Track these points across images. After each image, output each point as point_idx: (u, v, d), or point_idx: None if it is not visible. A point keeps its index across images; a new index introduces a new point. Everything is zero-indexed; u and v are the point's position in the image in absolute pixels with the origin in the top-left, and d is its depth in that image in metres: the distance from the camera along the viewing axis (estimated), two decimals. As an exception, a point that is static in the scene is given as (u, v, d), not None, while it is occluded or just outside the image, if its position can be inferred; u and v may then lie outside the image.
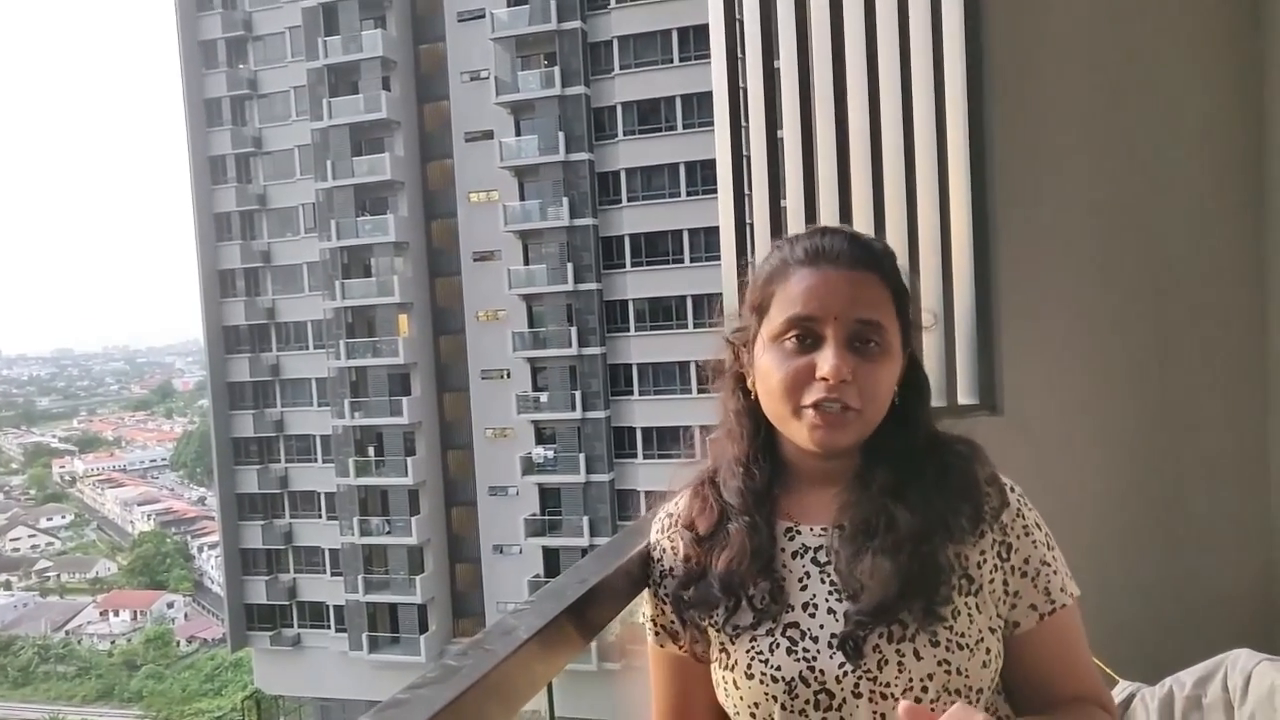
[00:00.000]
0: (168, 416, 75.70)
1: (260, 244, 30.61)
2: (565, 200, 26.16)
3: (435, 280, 28.62)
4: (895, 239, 2.18)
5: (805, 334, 1.01)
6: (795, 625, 1.02)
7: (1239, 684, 1.50)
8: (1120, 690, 1.69)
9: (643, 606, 1.15)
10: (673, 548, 1.11)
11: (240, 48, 30.75)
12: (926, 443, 1.06)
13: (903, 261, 2.11)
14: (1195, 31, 1.96)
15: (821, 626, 1.01)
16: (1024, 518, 1.04)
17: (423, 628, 27.32)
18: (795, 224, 2.12)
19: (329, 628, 28.98)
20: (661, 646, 1.12)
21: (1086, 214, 2.01)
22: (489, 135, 27.07)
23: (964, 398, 2.19)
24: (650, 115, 25.95)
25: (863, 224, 2.17)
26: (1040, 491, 1.06)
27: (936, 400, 2.17)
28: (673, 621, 1.09)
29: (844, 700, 0.98)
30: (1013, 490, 1.06)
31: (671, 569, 1.10)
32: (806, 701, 0.99)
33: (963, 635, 0.99)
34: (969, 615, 1.00)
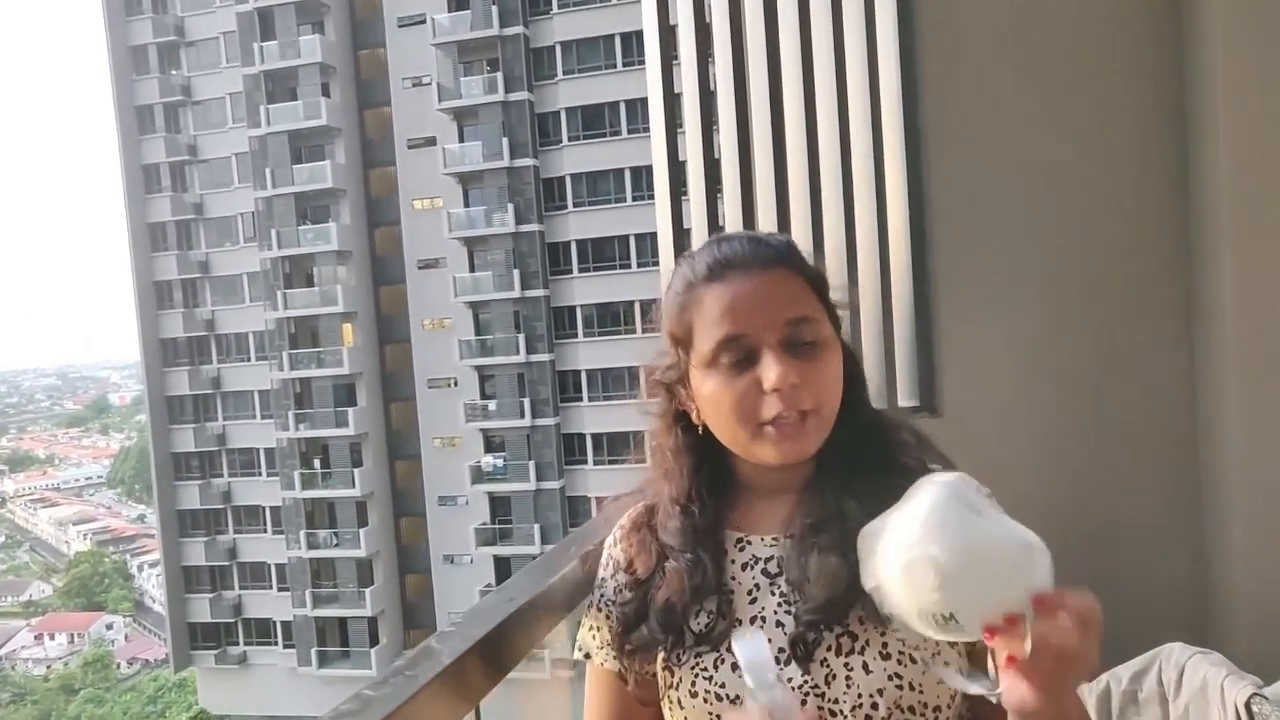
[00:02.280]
0: (103, 432, 73.54)
1: (198, 254, 29.94)
2: (510, 206, 26.01)
3: (379, 289, 28.25)
4: (833, 243, 2.19)
5: (739, 352, 0.95)
6: None
7: (1173, 677, 1.54)
8: (1059, 687, 1.72)
9: (583, 618, 1.09)
10: (615, 584, 1.05)
11: (173, 53, 30.06)
12: (871, 426, 1.02)
13: (840, 265, 2.15)
14: (1119, 35, 2.00)
15: (769, 640, 0.93)
16: None
17: (373, 641, 26.90)
18: (733, 229, 2.11)
19: (276, 644, 28.39)
20: (602, 665, 1.05)
21: (1020, 218, 2.04)
22: (432, 142, 26.82)
23: (904, 400, 2.21)
24: (594, 120, 25.95)
25: (800, 227, 2.18)
26: None
27: (876, 403, 2.19)
28: (617, 645, 1.03)
29: None
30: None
31: (616, 593, 1.05)
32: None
33: (917, 648, 0.93)
34: None
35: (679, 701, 0.98)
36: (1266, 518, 1.81)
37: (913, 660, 0.93)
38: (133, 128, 30.02)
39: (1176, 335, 1.99)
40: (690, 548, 0.99)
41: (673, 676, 0.98)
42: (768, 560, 1.00)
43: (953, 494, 0.77)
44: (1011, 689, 0.75)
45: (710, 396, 0.97)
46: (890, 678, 0.92)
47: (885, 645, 0.92)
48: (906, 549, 0.74)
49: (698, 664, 0.97)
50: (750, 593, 0.99)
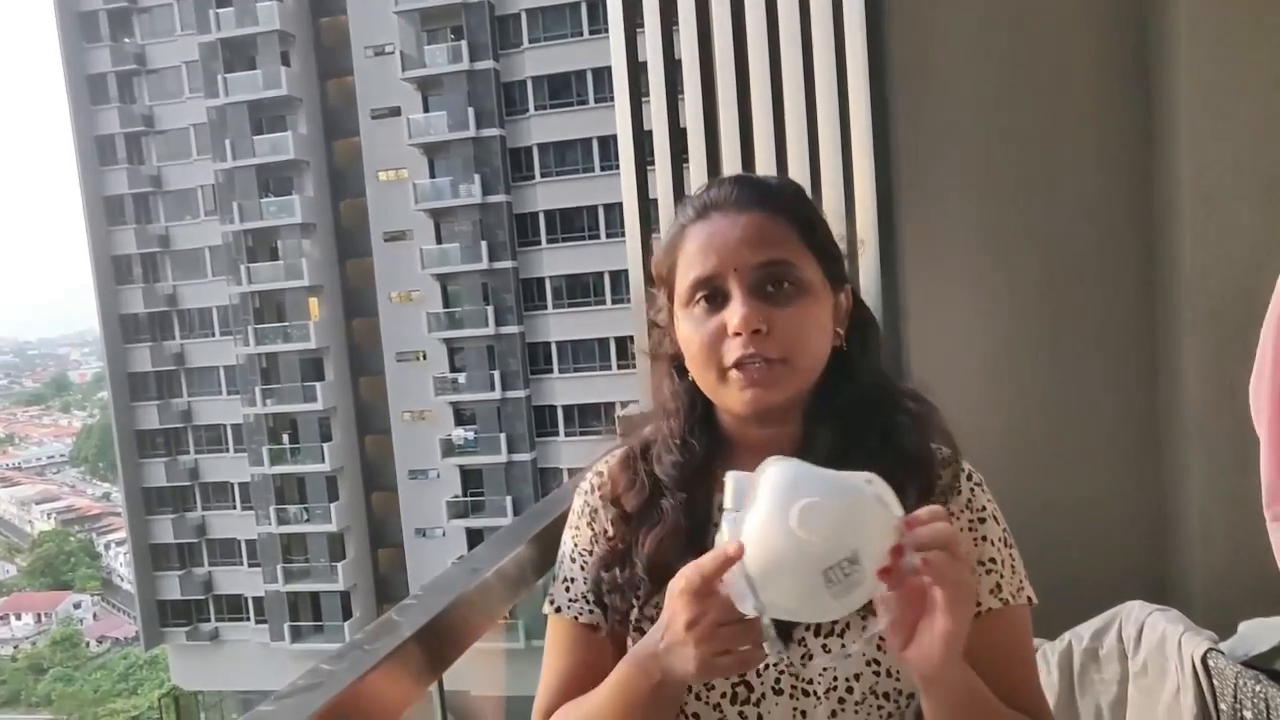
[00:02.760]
0: (64, 411, 72.30)
1: (157, 228, 29.34)
2: (477, 177, 25.72)
3: (345, 262, 27.89)
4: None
5: (711, 293, 0.93)
6: None
7: (1132, 634, 1.57)
8: (1022, 648, 1.76)
9: (556, 570, 1.04)
10: (601, 517, 1.01)
11: (124, 20, 29.26)
12: (874, 394, 0.97)
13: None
14: (1083, 15, 2.01)
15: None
16: (973, 510, 0.96)
17: (347, 614, 26.86)
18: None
19: (249, 620, 28.27)
20: (576, 618, 0.99)
21: (985, 181, 2.05)
22: (396, 112, 26.38)
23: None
24: (561, 89, 25.66)
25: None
26: None
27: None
28: (591, 596, 0.99)
29: (763, 695, 0.91)
30: (970, 478, 0.98)
31: (595, 539, 1.00)
32: (723, 695, 0.92)
33: None
34: None
35: None
36: (1223, 478, 1.85)
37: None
38: (84, 98, 29.25)
39: (1137, 299, 2.02)
40: (685, 486, 0.96)
41: (643, 636, 0.93)
42: None
43: (789, 461, 0.77)
44: (916, 648, 0.76)
45: (684, 337, 0.96)
46: (868, 663, 0.90)
47: (864, 630, 0.88)
48: (783, 512, 0.72)
49: None
50: None
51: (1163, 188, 1.95)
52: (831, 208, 2.16)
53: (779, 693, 0.91)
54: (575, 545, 1.02)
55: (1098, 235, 2.03)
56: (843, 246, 1.02)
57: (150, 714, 29.58)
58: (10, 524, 54.84)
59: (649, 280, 1.04)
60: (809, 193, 2.10)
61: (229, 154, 27.02)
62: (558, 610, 1.01)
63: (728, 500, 0.77)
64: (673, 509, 0.95)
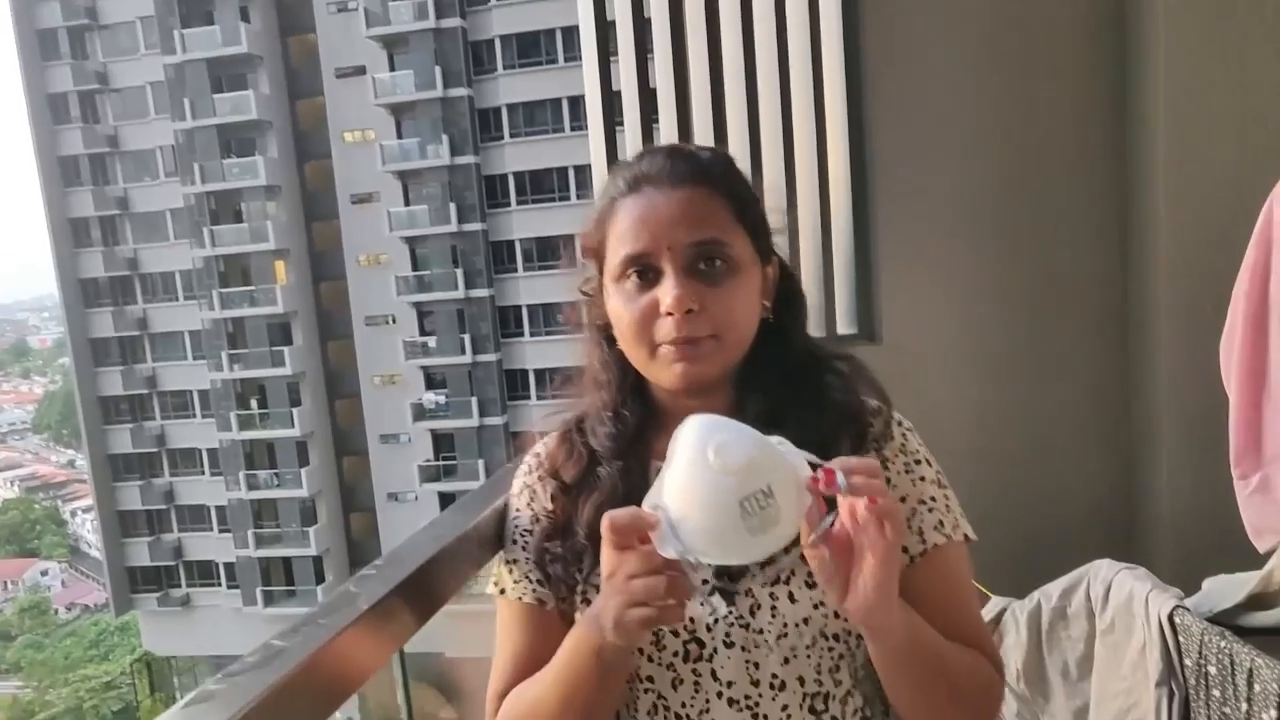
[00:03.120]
0: (25, 377, 71.05)
1: (115, 190, 28.66)
2: (445, 138, 25.34)
3: (312, 224, 27.44)
4: (772, 171, 2.16)
5: (643, 270, 0.93)
6: None
7: (1100, 593, 1.59)
8: (992, 606, 1.78)
9: (502, 554, 1.05)
10: (541, 494, 1.02)
11: (75, -27, 28.29)
12: (803, 360, 0.99)
13: (777, 183, 2.12)
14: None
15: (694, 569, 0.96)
16: (907, 454, 0.98)
17: (319, 579, 26.83)
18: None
19: (220, 585, 28.16)
20: (520, 599, 1.00)
21: (961, 144, 2.04)
22: (361, 71, 25.85)
23: (843, 327, 2.22)
24: (530, 49, 25.24)
25: (739, 155, 2.14)
26: (915, 416, 1.03)
27: (815, 330, 2.20)
28: (536, 574, 1.00)
29: (715, 650, 0.92)
30: (900, 424, 1.00)
31: (536, 518, 1.01)
32: (675, 653, 0.92)
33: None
34: None
35: None
36: (1191, 437, 1.87)
37: None
38: (35, 54, 28.37)
39: (1111, 265, 2.02)
40: (621, 455, 0.97)
41: (589, 607, 0.95)
42: None
43: (705, 415, 0.78)
44: (853, 597, 0.76)
45: (615, 312, 0.96)
46: (816, 606, 0.91)
47: (810, 575, 0.91)
48: (700, 454, 0.73)
49: None
50: None
51: (1138, 144, 1.94)
52: (804, 157, 2.13)
53: (730, 645, 0.92)
54: (516, 527, 1.03)
55: (1072, 193, 2.03)
56: (778, 219, 1.02)
57: (123, 679, 29.45)
58: (-28, 492, 54.05)
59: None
60: (781, 161, 2.06)
61: (188, 113, 26.37)
62: (502, 592, 1.02)
63: (668, 460, 0.78)
64: (609, 476, 0.96)
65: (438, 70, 25.19)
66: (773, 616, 0.91)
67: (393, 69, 25.88)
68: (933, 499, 0.97)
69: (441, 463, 26.47)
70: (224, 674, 0.70)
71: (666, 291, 0.90)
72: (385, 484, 26.94)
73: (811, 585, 0.91)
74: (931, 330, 2.09)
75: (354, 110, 25.97)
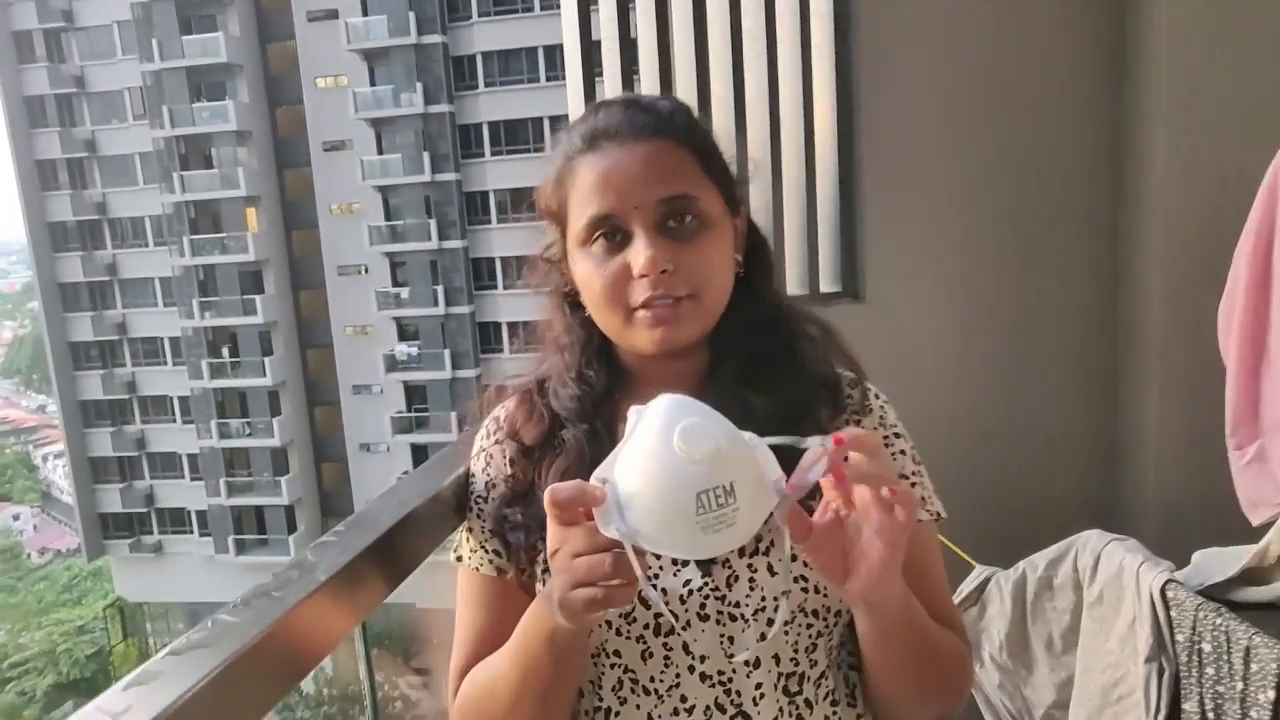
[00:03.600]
0: (-8, 321, 69.76)
1: (83, 131, 27.93)
2: (419, 86, 24.81)
3: (284, 172, 26.90)
4: (756, 125, 2.10)
5: (611, 231, 0.87)
6: None
7: (1089, 564, 1.57)
8: (975, 575, 1.76)
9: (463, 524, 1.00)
10: (499, 458, 0.96)
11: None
12: (773, 318, 0.94)
13: (761, 145, 2.06)
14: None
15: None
16: (885, 427, 0.95)
17: (291, 528, 26.82)
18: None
19: (192, 532, 28.06)
20: (477, 570, 0.96)
21: (951, 103, 1.98)
22: (334, 15, 25.19)
23: (826, 285, 2.18)
24: (507, -6, 24.67)
25: (722, 110, 2.08)
26: (899, 376, 1.00)
27: (799, 288, 2.15)
28: (493, 543, 0.95)
29: (688, 623, 0.87)
30: (877, 397, 0.97)
31: (492, 483, 0.96)
32: (645, 626, 0.87)
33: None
34: None
35: None
36: (1181, 406, 1.84)
37: None
38: (-2, -10, 27.39)
39: (1102, 227, 1.99)
40: (587, 418, 0.92)
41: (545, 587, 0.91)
42: None
43: (677, 395, 0.72)
44: (856, 579, 0.72)
45: (582, 278, 0.90)
46: (796, 580, 0.87)
47: (792, 546, 0.88)
48: (665, 434, 0.67)
49: None
50: None
51: (1132, 107, 1.90)
52: (789, 111, 2.07)
53: (704, 619, 0.87)
54: (472, 493, 0.98)
55: (1063, 153, 1.98)
56: (743, 170, 0.97)
57: (95, 624, 29.41)
58: (-61, 437, 53.35)
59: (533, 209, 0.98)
60: (766, 114, 1.98)
61: (157, 54, 25.64)
62: (459, 559, 0.97)
63: (628, 434, 0.73)
64: (574, 439, 0.91)
65: (412, 16, 24.60)
66: (750, 589, 0.87)
67: (366, 13, 25.24)
68: (913, 474, 0.94)
69: (414, 414, 26.36)
70: (168, 651, 0.65)
71: (638, 253, 0.85)
72: (357, 434, 26.82)
73: (793, 559, 0.86)
74: (916, 290, 2.05)
75: (326, 55, 25.35)
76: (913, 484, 0.93)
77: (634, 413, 0.72)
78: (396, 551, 0.92)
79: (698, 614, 0.87)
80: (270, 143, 26.81)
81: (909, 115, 1.99)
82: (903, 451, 0.94)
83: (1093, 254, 2.00)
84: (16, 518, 42.18)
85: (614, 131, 0.89)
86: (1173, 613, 1.39)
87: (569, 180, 0.91)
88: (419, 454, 25.54)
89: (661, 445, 0.67)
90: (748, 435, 0.71)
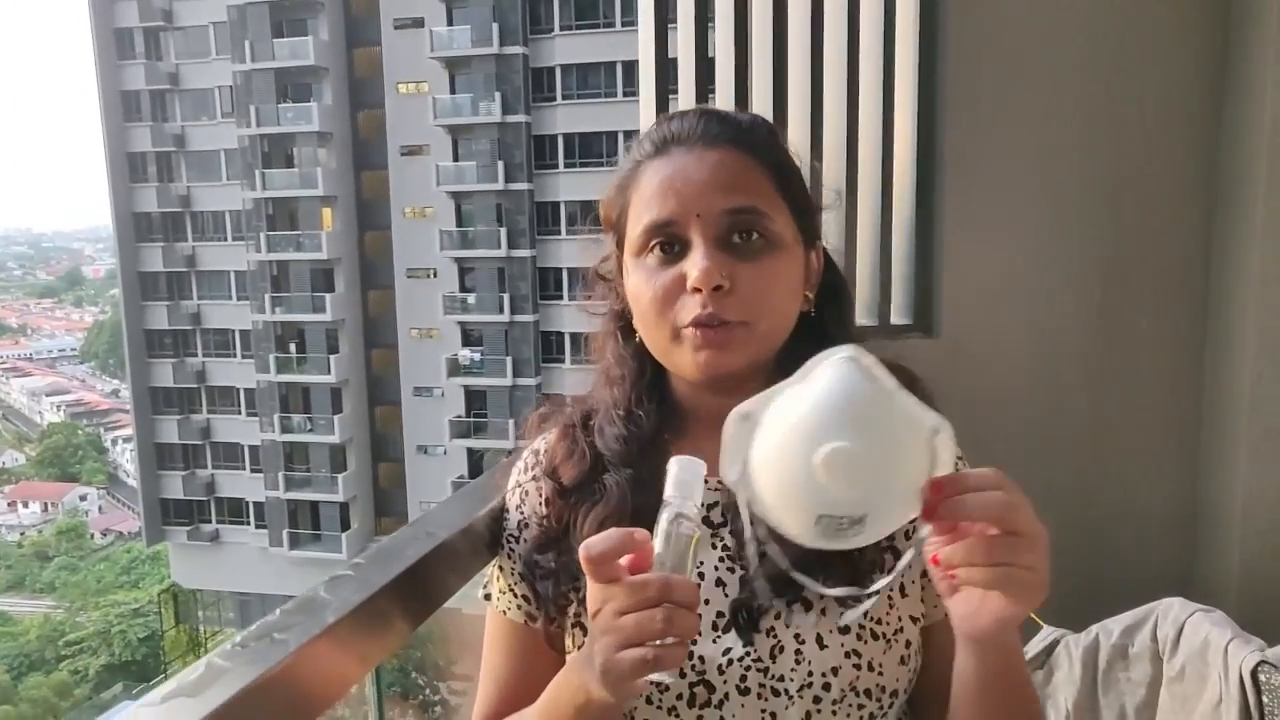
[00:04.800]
0: (77, 305, 72.72)
1: (173, 127, 28.96)
2: (498, 95, 25.21)
3: (361, 173, 27.53)
4: (833, 147, 2.01)
5: (669, 241, 0.80)
6: None
7: (1170, 634, 1.45)
8: (1044, 636, 1.65)
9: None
10: (534, 495, 0.89)
11: (141, -85, 28.45)
12: None
13: (837, 168, 1.98)
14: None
15: (707, 602, 0.81)
16: None
17: (345, 525, 27.24)
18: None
19: (249, 524, 28.69)
20: (505, 613, 0.89)
21: (1039, 126, 1.87)
22: (419, 23, 25.77)
23: (897, 318, 2.08)
24: (588, 9, 24.98)
25: (799, 129, 1.99)
26: (969, 419, 0.89)
27: (868, 318, 2.06)
28: (522, 588, 0.88)
29: (726, 695, 0.79)
30: (960, 458, 0.89)
31: (525, 522, 0.89)
32: (679, 697, 0.79)
33: (879, 622, 0.80)
34: (888, 597, 0.82)
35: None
36: (1272, 467, 1.71)
37: (874, 636, 0.81)
38: (104, -10, 28.66)
39: (1196, 268, 1.85)
40: (632, 462, 0.84)
41: (586, 634, 0.83)
42: (710, 507, 0.85)
43: (856, 370, 0.62)
44: (961, 600, 0.65)
45: (634, 290, 0.83)
46: (848, 655, 0.79)
47: (843, 616, 0.79)
48: (808, 441, 0.59)
49: None
50: None
51: (1234, 140, 1.77)
52: (868, 132, 1.97)
53: (744, 692, 0.79)
54: (504, 530, 0.92)
55: (1157, 188, 1.86)
56: (829, 198, 0.93)
57: (150, 608, 30.22)
58: (20, 414, 55.65)
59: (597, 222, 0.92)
60: (843, 137, 1.88)
61: (248, 55, 26.51)
62: (487, 598, 0.92)
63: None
64: (617, 486, 0.84)
65: (495, 27, 25.02)
66: (796, 663, 0.79)
67: (450, 23, 25.77)
68: None
69: (473, 419, 26.62)
70: (161, 696, 0.59)
71: (693, 264, 0.78)
72: (416, 436, 27.17)
73: (844, 630, 0.79)
74: (994, 327, 1.94)
75: (410, 62, 25.91)
76: None
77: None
78: (420, 588, 0.85)
79: (737, 687, 0.79)
80: (350, 145, 27.47)
81: (996, 144, 1.89)
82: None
83: (1185, 293, 1.86)
84: (84, 498, 43.74)
85: (685, 137, 0.83)
86: (1265, 698, 1.29)
87: (631, 185, 0.85)
88: (475, 459, 25.77)
89: (800, 453, 0.59)
90: (934, 423, 0.62)
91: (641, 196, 0.83)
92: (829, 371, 0.62)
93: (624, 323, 0.89)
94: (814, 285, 0.87)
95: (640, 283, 0.82)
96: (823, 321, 0.86)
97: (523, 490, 0.91)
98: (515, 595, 0.88)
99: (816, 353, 0.82)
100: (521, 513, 0.90)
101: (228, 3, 26.69)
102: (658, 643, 0.62)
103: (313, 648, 0.68)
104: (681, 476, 0.67)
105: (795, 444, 0.60)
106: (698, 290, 0.78)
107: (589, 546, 0.65)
